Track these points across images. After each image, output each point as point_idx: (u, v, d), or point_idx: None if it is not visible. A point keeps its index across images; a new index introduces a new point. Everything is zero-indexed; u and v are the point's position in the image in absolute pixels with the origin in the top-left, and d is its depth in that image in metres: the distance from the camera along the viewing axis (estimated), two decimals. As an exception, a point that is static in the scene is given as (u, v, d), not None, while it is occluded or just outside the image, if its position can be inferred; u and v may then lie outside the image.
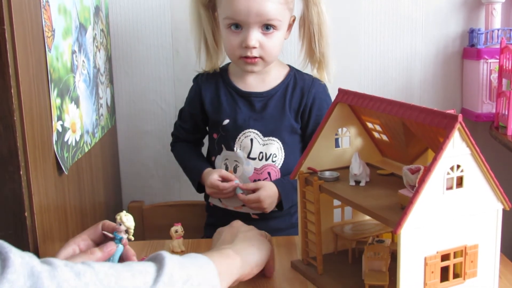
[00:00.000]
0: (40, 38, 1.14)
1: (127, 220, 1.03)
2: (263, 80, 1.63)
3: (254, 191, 1.56)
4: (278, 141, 1.61)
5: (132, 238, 1.05)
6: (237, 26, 1.52)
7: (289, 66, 1.69)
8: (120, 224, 1.03)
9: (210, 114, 1.66)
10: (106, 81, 1.81)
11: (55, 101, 1.21)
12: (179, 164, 1.76)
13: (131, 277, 0.79)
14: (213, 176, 1.57)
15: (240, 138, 1.61)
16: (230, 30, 1.53)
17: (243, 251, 1.06)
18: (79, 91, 1.41)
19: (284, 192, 1.57)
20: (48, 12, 1.18)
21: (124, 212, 1.05)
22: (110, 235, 1.03)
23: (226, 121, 1.62)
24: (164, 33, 2.08)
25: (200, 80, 1.69)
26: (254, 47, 1.51)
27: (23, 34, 1.05)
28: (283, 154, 1.62)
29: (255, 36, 1.50)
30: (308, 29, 1.60)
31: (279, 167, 1.62)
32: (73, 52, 1.37)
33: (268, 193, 1.55)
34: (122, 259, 1.03)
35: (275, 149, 1.61)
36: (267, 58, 1.55)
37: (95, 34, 1.64)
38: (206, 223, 1.79)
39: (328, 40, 1.61)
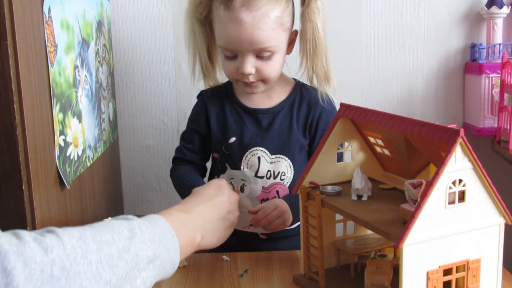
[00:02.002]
0: (42, 53, 1.14)
1: None
2: (268, 96, 1.59)
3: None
4: (287, 158, 1.56)
5: None
6: (232, 56, 1.47)
7: (294, 79, 1.64)
8: None
9: (215, 132, 1.60)
10: (108, 95, 1.81)
11: (57, 116, 1.21)
12: (176, 187, 1.63)
13: (97, 250, 0.79)
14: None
15: (247, 156, 1.56)
16: (226, 57, 1.49)
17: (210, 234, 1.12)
18: (81, 106, 1.41)
19: (294, 207, 1.46)
20: (50, 27, 1.19)
21: None
22: None
23: (233, 139, 1.57)
24: (166, 48, 2.09)
25: (205, 96, 1.64)
26: (250, 74, 1.46)
27: (26, 49, 1.05)
28: (292, 172, 1.57)
29: (250, 63, 1.45)
30: (303, 44, 1.53)
31: (288, 185, 1.57)
32: (76, 67, 1.37)
33: (286, 205, 1.45)
34: None
35: (284, 167, 1.56)
36: (267, 81, 1.50)
37: (98, 49, 1.65)
38: None
39: (323, 59, 1.53)
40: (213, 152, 1.62)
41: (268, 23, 1.42)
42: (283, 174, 1.56)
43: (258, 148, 1.56)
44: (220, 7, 1.44)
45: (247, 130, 1.57)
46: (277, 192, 1.57)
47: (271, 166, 1.56)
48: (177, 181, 1.63)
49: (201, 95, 1.66)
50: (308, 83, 1.60)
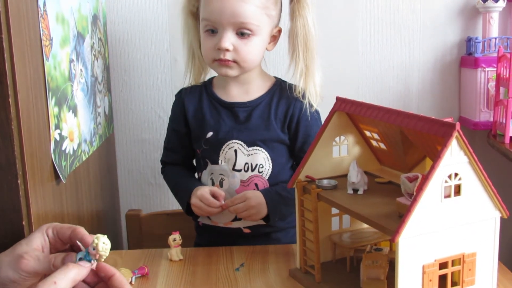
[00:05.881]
0: (37, 47, 1.14)
1: (103, 249, 0.88)
2: (246, 91, 1.57)
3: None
4: (264, 150, 1.54)
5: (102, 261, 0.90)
6: (213, 30, 1.47)
7: (276, 78, 1.63)
8: (94, 249, 0.88)
9: (193, 127, 1.60)
10: (104, 89, 1.81)
11: (52, 110, 1.21)
12: (170, 189, 1.67)
13: None
14: (204, 189, 1.51)
15: (224, 150, 1.55)
16: (207, 34, 1.49)
17: None
18: (76, 99, 1.41)
19: (272, 203, 1.50)
20: (46, 21, 1.18)
21: (105, 238, 0.89)
22: (82, 249, 0.90)
23: (210, 134, 1.56)
24: (162, 42, 2.08)
25: (184, 93, 1.63)
26: (227, 50, 1.45)
27: (21, 43, 1.05)
28: (271, 164, 1.55)
29: (229, 38, 1.45)
30: (292, 41, 1.53)
31: (266, 178, 1.55)
32: (71, 61, 1.37)
33: (256, 201, 1.48)
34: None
35: (261, 159, 1.54)
36: (242, 63, 1.49)
37: (93, 43, 1.64)
38: (195, 243, 1.71)
39: (314, 53, 1.53)
40: (195, 148, 1.62)
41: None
42: (261, 166, 1.54)
43: (234, 141, 1.54)
44: None
45: (224, 124, 1.55)
46: (256, 185, 1.55)
47: (248, 159, 1.54)
48: (169, 183, 1.67)
49: (180, 93, 1.65)
50: (295, 82, 1.57)
